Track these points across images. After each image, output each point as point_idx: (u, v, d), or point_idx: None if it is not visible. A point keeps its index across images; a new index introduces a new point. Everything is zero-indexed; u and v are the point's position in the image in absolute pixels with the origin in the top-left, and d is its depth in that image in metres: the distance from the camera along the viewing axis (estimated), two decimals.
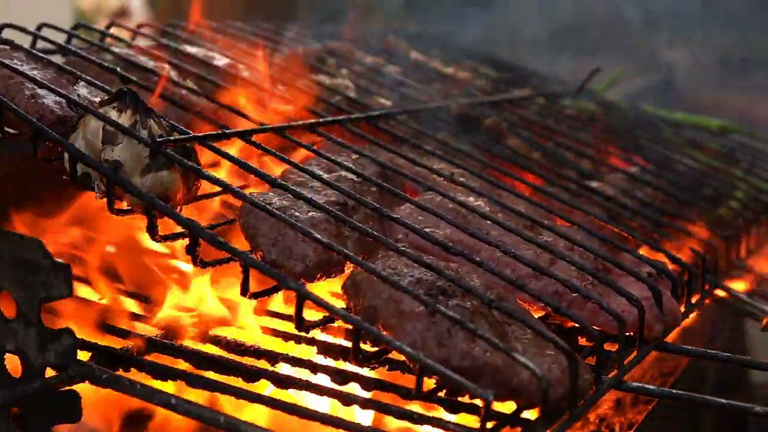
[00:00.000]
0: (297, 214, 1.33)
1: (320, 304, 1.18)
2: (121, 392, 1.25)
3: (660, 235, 1.76)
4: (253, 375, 1.34)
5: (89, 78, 1.46)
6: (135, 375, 1.33)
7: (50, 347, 1.22)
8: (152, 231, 1.28)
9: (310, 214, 1.34)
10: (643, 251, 1.65)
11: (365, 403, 1.27)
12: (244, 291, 1.24)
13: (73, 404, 1.24)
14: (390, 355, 1.29)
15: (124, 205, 1.32)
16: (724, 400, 1.30)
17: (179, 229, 1.25)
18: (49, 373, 1.24)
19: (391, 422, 1.34)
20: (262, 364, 1.40)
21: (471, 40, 2.82)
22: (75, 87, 1.46)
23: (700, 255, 1.71)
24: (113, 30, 1.97)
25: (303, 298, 1.18)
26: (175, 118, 1.48)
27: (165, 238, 1.29)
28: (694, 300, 1.67)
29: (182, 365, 1.39)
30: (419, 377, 1.14)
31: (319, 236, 1.24)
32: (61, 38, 1.79)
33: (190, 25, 2.06)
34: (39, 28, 1.76)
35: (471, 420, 1.22)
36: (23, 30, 1.70)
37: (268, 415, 1.37)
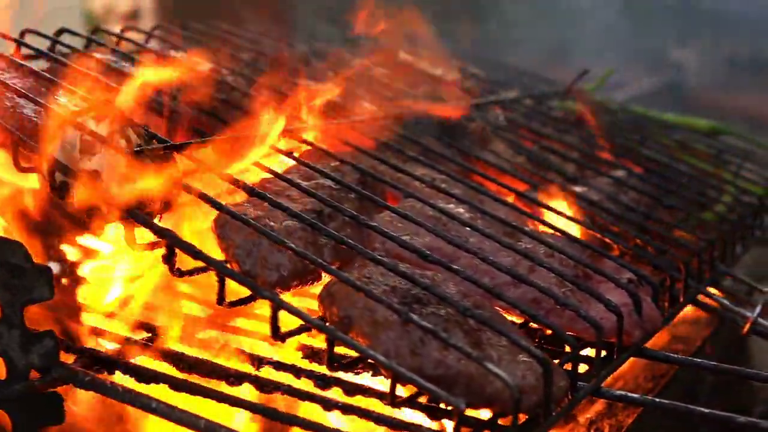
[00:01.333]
0: (272, 223, 1.34)
1: (294, 313, 1.19)
2: (103, 395, 1.26)
3: (643, 240, 1.76)
4: (236, 378, 1.34)
5: (69, 86, 1.47)
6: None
7: (33, 349, 1.23)
8: (130, 240, 1.28)
9: (285, 222, 1.34)
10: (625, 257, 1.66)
11: (346, 408, 1.27)
12: (220, 300, 1.25)
13: (57, 406, 1.25)
14: (372, 361, 1.29)
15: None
16: (706, 410, 1.31)
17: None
18: (34, 376, 1.25)
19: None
20: (246, 367, 1.40)
21: (475, 41, 2.82)
22: (55, 96, 1.46)
23: (683, 260, 1.72)
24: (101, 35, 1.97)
25: (277, 307, 1.19)
26: (155, 126, 1.49)
27: (142, 248, 1.30)
28: (676, 306, 1.68)
29: (167, 368, 1.40)
30: (392, 385, 1.15)
31: (292, 245, 1.24)
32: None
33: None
34: (22, 35, 1.76)
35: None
36: (6, 37, 1.70)
37: None
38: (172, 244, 1.24)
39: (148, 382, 1.34)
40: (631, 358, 1.48)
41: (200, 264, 1.28)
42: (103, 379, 1.26)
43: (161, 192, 1.34)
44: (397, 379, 1.14)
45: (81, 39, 1.92)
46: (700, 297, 1.79)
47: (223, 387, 1.35)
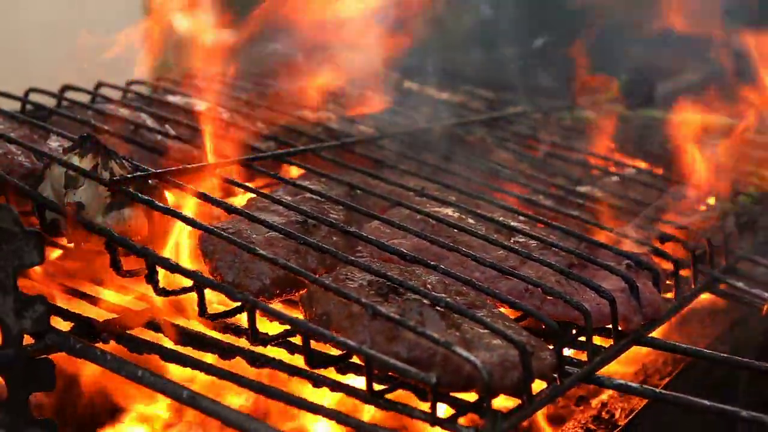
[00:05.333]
0: (255, 235, 1.38)
1: (271, 312, 1.22)
2: (92, 362, 1.28)
3: (648, 230, 1.75)
4: (228, 352, 1.32)
5: (58, 131, 1.54)
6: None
7: (26, 315, 1.24)
8: (116, 265, 1.33)
9: (268, 234, 1.38)
10: (629, 246, 1.65)
11: (335, 386, 1.25)
12: (202, 312, 1.28)
13: (49, 373, 1.27)
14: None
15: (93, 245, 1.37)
16: (708, 402, 1.28)
17: None
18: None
19: None
20: (243, 342, 1.34)
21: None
22: (47, 141, 1.54)
23: (690, 247, 1.70)
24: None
25: (253, 308, 1.21)
26: (150, 161, 1.55)
27: (129, 273, 1.33)
28: (688, 293, 1.65)
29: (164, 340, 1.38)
30: (368, 371, 1.16)
31: (263, 252, 1.27)
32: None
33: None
34: (26, 93, 1.87)
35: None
36: (11, 96, 1.81)
37: None
38: (153, 262, 1.28)
39: (140, 353, 1.34)
40: None
41: (186, 283, 1.31)
42: (93, 347, 1.28)
43: (148, 218, 1.39)
44: (372, 363, 1.15)
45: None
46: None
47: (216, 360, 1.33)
